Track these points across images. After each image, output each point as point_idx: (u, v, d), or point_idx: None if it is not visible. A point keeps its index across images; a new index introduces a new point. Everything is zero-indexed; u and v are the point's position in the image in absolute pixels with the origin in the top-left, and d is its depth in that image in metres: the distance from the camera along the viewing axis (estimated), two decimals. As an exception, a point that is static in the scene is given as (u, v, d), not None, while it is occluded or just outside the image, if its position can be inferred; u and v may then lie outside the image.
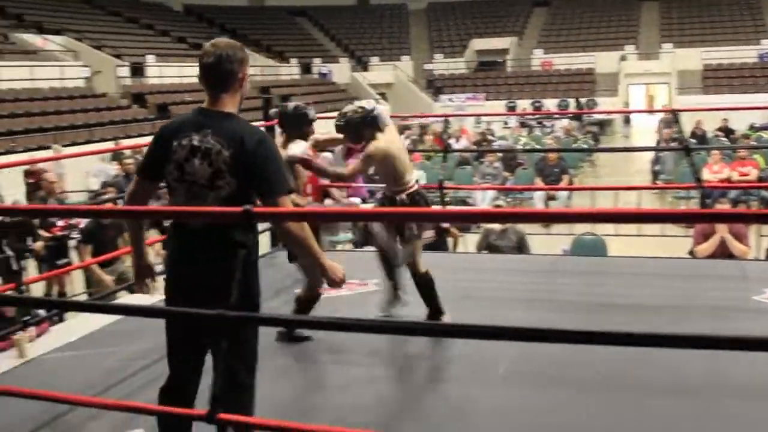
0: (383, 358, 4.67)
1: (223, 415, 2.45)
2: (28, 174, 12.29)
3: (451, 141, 18.70)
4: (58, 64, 22.39)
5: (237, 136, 2.98)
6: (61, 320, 6.78)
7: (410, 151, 17.27)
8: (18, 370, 5.03)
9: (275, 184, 3.00)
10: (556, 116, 26.40)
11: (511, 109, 30.60)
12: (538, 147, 18.10)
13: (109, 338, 5.41)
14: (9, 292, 5.69)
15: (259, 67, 31.09)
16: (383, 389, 4.34)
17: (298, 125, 5.16)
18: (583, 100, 30.94)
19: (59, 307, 6.22)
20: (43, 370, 5.02)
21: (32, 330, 5.50)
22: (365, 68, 36.43)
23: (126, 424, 3.83)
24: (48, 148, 17.17)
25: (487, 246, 8.52)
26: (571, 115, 26.78)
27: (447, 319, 4.93)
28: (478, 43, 37.38)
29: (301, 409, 4.08)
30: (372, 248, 5.90)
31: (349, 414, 3.93)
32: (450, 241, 8.83)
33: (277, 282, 6.46)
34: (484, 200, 13.49)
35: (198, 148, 3.00)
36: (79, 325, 5.85)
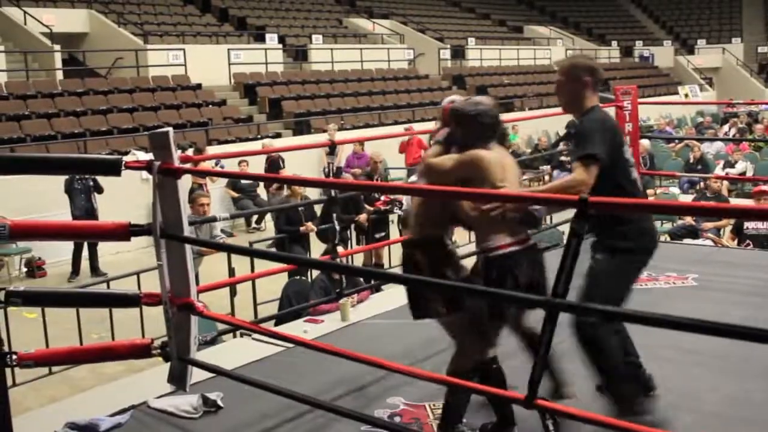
0: (695, 356, 4.43)
1: (540, 401, 2.45)
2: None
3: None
4: (385, 47, 23.51)
5: None
6: (378, 290, 7.18)
7: (737, 141, 16.29)
8: (341, 332, 5.40)
9: None
10: None
11: None
12: None
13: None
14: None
15: (578, 50, 30.62)
16: (697, 390, 4.12)
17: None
18: None
19: (378, 278, 6.56)
20: (363, 334, 5.35)
21: (355, 296, 5.88)
22: (690, 51, 34.56)
23: (439, 394, 3.96)
24: (373, 126, 18.18)
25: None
26: None
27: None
28: (823, 24, 34.07)
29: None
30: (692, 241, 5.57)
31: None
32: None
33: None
34: (821, 196, 12.31)
35: None
36: (396, 295, 6.14)
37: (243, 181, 13.76)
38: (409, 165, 15.51)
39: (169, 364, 3.76)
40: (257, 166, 13.70)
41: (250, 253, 5.56)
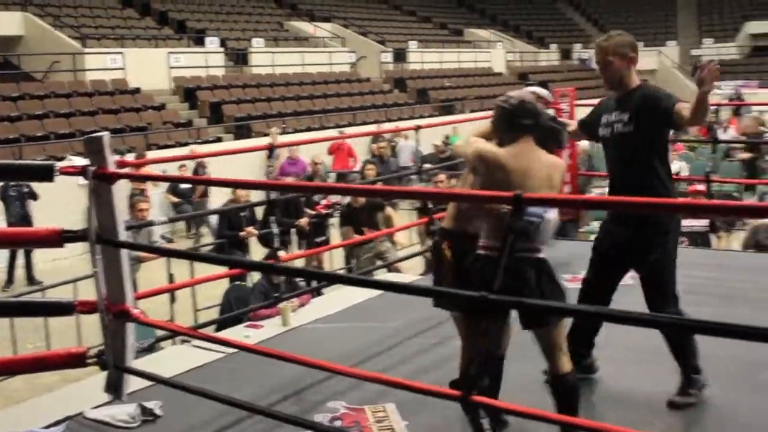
0: (644, 353, 4.48)
1: (475, 398, 2.47)
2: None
3: (719, 131, 17.59)
4: (326, 50, 23.50)
5: None
6: (319, 294, 7.15)
7: (672, 141, 16.59)
8: (281, 336, 5.36)
9: None
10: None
11: (788, 98, 28.24)
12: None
13: (365, 313, 5.63)
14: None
15: (518, 53, 30.97)
16: (646, 386, 4.17)
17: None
18: None
19: (322, 279, 6.54)
20: (304, 338, 5.32)
21: (295, 301, 5.85)
22: (627, 54, 35.14)
23: (379, 397, 3.97)
24: (315, 129, 18.13)
25: (755, 244, 7.97)
26: None
27: None
28: (753, 26, 34.86)
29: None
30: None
31: (606, 409, 3.83)
32: (714, 238, 8.36)
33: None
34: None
35: None
36: (337, 299, 6.14)
37: (182, 186, 13.61)
38: (335, 170, 15.51)
39: (106, 373, 3.70)
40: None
41: (189, 256, 5.49)
